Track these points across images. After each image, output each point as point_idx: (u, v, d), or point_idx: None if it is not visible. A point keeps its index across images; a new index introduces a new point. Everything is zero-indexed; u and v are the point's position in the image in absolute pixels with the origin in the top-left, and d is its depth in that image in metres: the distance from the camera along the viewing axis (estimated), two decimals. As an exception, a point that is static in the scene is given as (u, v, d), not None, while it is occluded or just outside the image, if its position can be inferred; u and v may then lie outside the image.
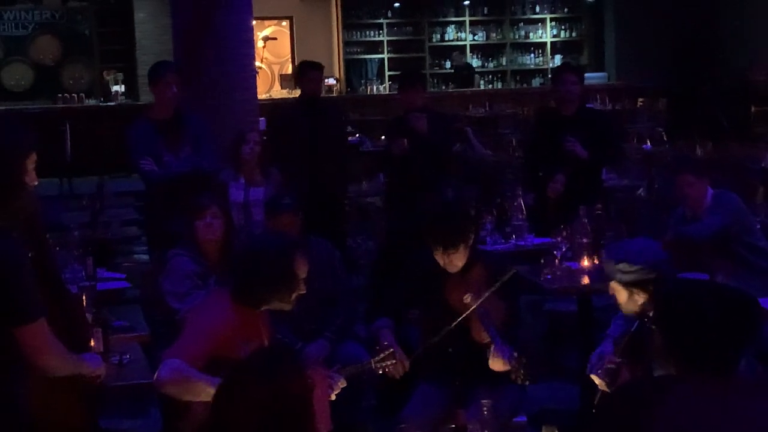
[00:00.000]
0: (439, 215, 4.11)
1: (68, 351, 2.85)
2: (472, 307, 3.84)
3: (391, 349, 3.88)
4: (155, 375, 3.34)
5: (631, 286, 3.41)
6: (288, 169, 6.58)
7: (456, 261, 4.04)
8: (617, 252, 3.49)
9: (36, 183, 2.83)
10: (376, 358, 3.88)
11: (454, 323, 3.90)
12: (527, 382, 3.65)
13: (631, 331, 3.46)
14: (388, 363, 3.87)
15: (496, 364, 3.74)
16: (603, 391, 3.45)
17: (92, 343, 3.87)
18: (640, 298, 3.40)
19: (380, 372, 3.92)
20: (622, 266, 3.40)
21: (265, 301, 3.49)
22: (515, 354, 3.66)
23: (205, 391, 3.12)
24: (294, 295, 3.50)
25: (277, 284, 3.46)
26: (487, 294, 3.84)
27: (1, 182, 2.71)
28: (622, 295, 3.45)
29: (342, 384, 3.64)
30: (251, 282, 3.46)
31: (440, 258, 4.04)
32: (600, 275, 5.10)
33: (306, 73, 7.25)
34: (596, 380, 3.50)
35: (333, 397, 3.61)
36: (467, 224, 4.07)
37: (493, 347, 3.74)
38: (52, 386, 2.83)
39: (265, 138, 7.15)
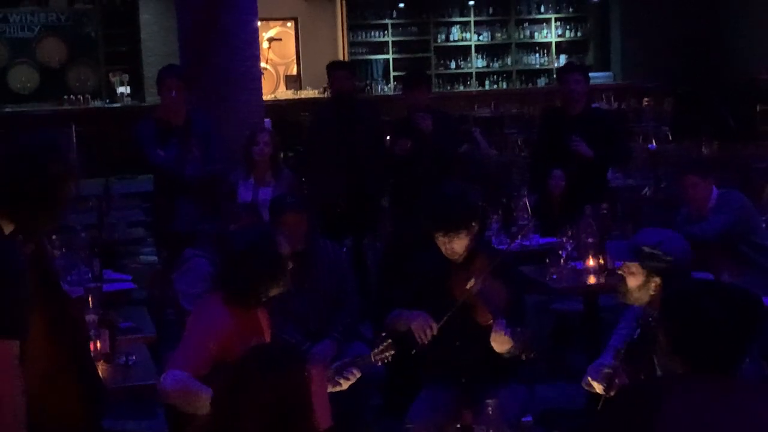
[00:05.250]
0: (442, 198, 4.12)
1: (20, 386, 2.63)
2: (476, 285, 3.86)
3: (389, 340, 3.88)
4: (159, 385, 3.36)
5: (652, 274, 3.39)
6: (325, 169, 6.63)
7: (456, 247, 4.02)
8: (654, 237, 3.45)
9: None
10: (375, 350, 3.88)
11: (459, 301, 3.90)
12: (531, 356, 3.66)
13: (634, 338, 3.45)
14: (387, 354, 3.88)
15: (498, 341, 3.75)
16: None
17: (98, 345, 3.90)
18: (652, 289, 3.38)
19: (380, 363, 3.93)
20: (656, 252, 3.38)
21: (263, 295, 3.50)
22: (517, 329, 3.66)
23: (207, 405, 3.12)
24: (287, 275, 3.50)
25: (270, 275, 3.47)
26: (491, 267, 3.86)
27: (42, 194, 2.68)
28: (636, 279, 3.43)
29: (357, 374, 3.65)
30: (246, 284, 3.45)
31: (441, 244, 4.04)
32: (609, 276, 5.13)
33: (331, 73, 7.26)
34: (594, 384, 3.50)
35: (345, 387, 3.62)
36: (470, 209, 4.08)
37: (494, 325, 3.75)
38: (51, 388, 2.80)
39: (276, 138, 7.16)
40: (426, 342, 3.94)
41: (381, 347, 3.86)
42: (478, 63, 15.84)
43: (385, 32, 15.61)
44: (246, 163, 6.12)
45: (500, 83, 15.78)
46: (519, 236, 5.51)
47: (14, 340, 2.60)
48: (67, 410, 2.86)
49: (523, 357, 3.69)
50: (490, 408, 3.36)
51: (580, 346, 5.68)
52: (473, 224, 4.05)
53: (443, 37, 15.83)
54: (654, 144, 10.61)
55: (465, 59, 15.85)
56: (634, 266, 3.45)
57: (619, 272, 3.52)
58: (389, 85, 15.07)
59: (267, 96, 11.66)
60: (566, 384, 5.52)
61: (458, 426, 3.79)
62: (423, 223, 4.11)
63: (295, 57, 15.46)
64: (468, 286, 3.90)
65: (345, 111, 7.00)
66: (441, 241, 4.03)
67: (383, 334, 3.92)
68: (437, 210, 4.05)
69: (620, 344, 3.61)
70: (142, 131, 6.18)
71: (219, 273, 3.60)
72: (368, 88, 14.87)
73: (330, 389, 3.61)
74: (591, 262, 5.22)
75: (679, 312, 2.44)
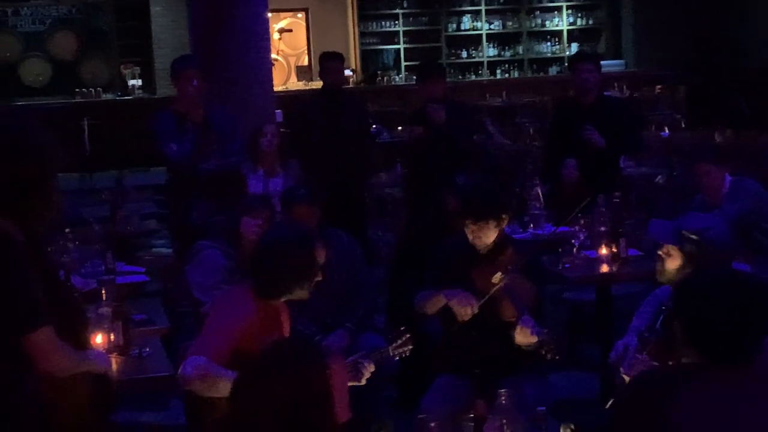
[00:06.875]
0: (476, 186, 4.13)
1: (72, 350, 2.76)
2: (503, 279, 3.86)
3: (408, 335, 3.87)
4: (179, 372, 3.36)
5: (691, 259, 3.38)
6: (308, 161, 6.63)
7: (485, 237, 4.03)
8: (699, 223, 3.42)
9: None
10: (394, 344, 3.88)
11: (486, 296, 3.90)
12: (557, 357, 3.66)
13: (657, 328, 3.43)
14: (406, 348, 3.87)
15: (522, 337, 3.75)
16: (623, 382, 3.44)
17: (112, 337, 3.91)
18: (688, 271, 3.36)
19: (397, 358, 3.93)
20: (697, 239, 3.35)
21: (287, 291, 3.51)
22: (544, 330, 3.67)
23: (229, 388, 3.12)
24: (313, 283, 3.52)
25: (300, 274, 3.48)
26: (520, 262, 3.83)
27: (35, 184, 2.67)
28: (674, 263, 3.41)
29: (372, 368, 3.66)
30: (275, 274, 3.46)
31: (470, 232, 4.04)
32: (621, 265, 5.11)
33: (324, 64, 7.27)
34: (625, 377, 3.49)
35: (363, 382, 3.63)
36: (503, 201, 4.10)
37: (519, 321, 3.75)
38: (59, 384, 2.76)
39: (284, 130, 7.18)
40: (467, 320, 3.94)
41: (400, 341, 3.86)
42: (490, 52, 15.79)
43: (396, 22, 15.58)
44: (253, 155, 6.13)
45: (512, 72, 15.73)
46: (532, 225, 5.51)
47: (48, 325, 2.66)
48: (76, 407, 2.86)
49: (548, 356, 3.68)
50: (503, 398, 3.36)
51: (593, 335, 5.67)
52: (504, 216, 4.07)
53: (454, 26, 15.79)
54: (667, 132, 10.55)
55: (476, 48, 15.81)
56: (674, 249, 3.42)
57: (659, 252, 3.51)
58: (400, 75, 15.05)
59: (278, 87, 11.66)
60: (579, 374, 5.52)
61: (471, 416, 3.78)
62: (453, 210, 4.11)
63: (306, 48, 15.44)
64: (495, 280, 3.90)
65: (333, 103, 7.03)
66: (471, 229, 4.04)
67: (402, 329, 3.92)
68: (471, 197, 4.07)
69: (643, 326, 3.61)
70: (160, 123, 6.05)
71: (253, 258, 3.58)
72: (380, 78, 14.85)
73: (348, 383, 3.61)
74: (604, 251, 5.20)
75: (691, 304, 2.42)
